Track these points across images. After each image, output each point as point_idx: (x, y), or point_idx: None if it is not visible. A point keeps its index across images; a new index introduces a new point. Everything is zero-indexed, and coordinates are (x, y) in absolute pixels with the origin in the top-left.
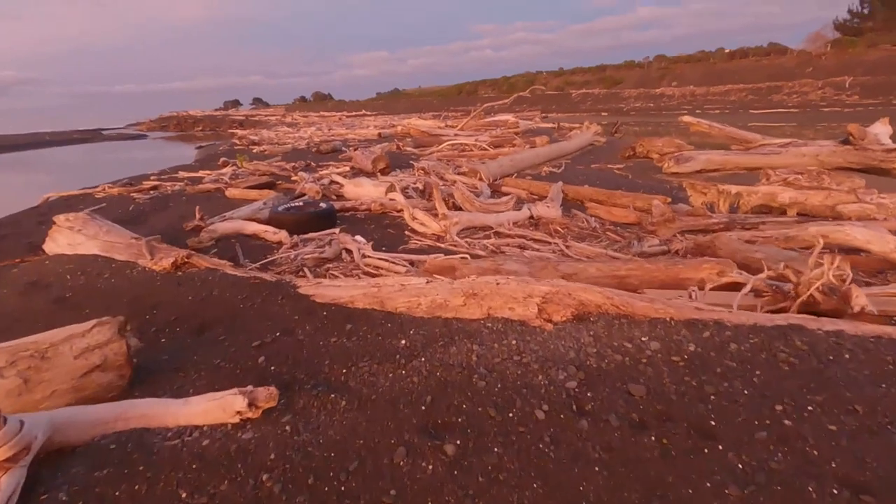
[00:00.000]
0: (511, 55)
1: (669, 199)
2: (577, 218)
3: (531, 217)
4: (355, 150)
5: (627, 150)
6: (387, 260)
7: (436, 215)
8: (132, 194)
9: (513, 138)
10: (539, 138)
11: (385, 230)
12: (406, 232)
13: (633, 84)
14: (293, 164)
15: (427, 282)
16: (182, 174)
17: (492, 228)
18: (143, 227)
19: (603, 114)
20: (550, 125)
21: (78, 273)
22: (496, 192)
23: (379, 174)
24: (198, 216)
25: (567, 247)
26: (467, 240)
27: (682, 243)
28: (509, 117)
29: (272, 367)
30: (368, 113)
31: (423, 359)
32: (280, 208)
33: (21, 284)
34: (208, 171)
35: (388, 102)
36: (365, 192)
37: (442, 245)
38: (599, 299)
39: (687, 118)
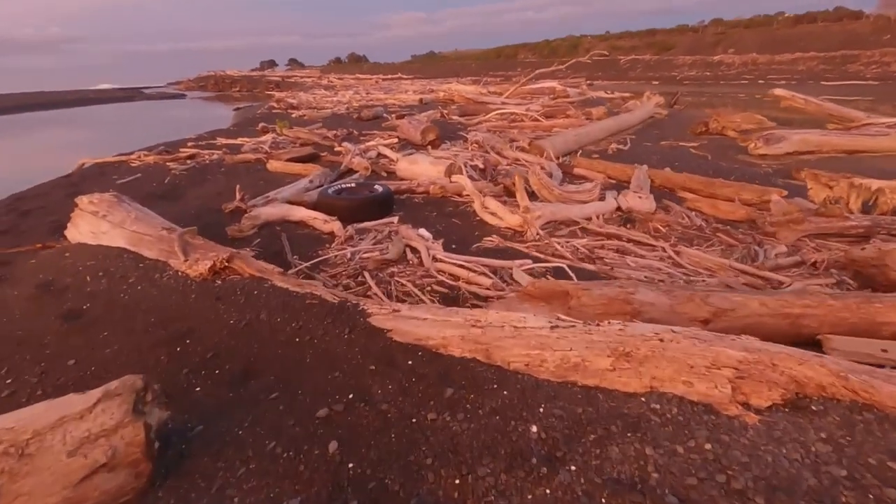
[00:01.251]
0: (552, 17)
1: (785, 193)
2: (674, 212)
3: (618, 209)
4: (399, 117)
5: (699, 125)
6: (464, 266)
7: (505, 202)
8: (168, 163)
9: (566, 108)
10: (596, 109)
11: (449, 220)
12: (475, 222)
13: (685, 50)
14: (335, 131)
15: (552, 326)
16: (220, 140)
17: (577, 223)
18: (178, 204)
19: (654, 82)
20: (605, 94)
21: (99, 274)
22: (567, 174)
23: (429, 147)
24: (238, 196)
25: (677, 252)
26: (555, 239)
27: (818, 254)
28: (555, 84)
29: (350, 465)
30: (405, 76)
31: (572, 467)
32: (331, 191)
33: (34, 284)
34: (247, 139)
35: (425, 66)
36: (421, 170)
37: (523, 246)
38: (824, 377)
39: (779, 91)
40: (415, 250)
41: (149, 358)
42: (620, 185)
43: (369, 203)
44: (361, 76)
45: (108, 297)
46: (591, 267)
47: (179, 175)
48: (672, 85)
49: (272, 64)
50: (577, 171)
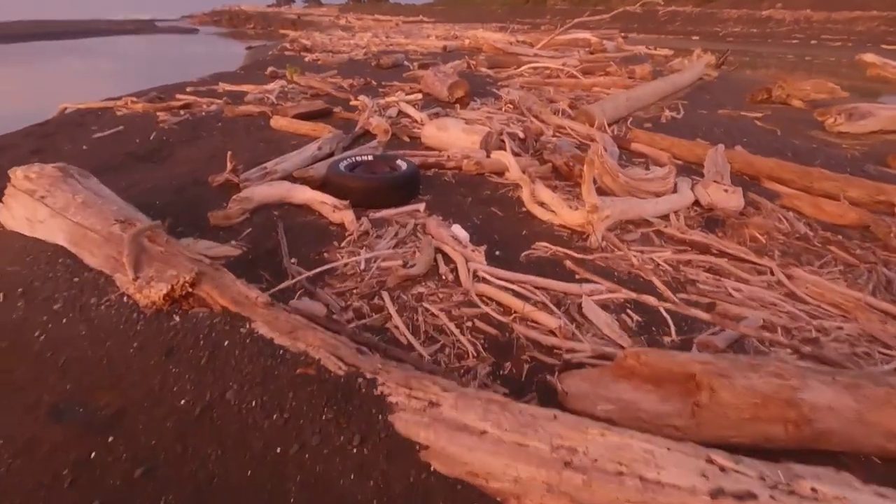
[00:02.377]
0: None
1: None
2: (767, 211)
3: (696, 204)
4: (422, 67)
5: (760, 91)
6: (515, 289)
7: (556, 188)
8: (158, 113)
9: (606, 64)
10: (640, 68)
11: (487, 208)
12: (520, 214)
13: (730, 2)
14: (351, 81)
15: (713, 493)
16: (223, 86)
17: (650, 224)
18: (159, 169)
19: (694, 38)
20: (646, 50)
21: (17, 292)
22: (623, 149)
23: (457, 106)
24: (229, 167)
25: (789, 276)
26: (633, 252)
27: None
28: (589, 36)
29: None
30: (426, 19)
31: None
32: (343, 165)
33: None
34: (252, 86)
35: (448, 9)
36: (452, 139)
37: (588, 257)
38: None
39: (869, 57)
40: (448, 258)
41: (44, 476)
42: (688, 168)
43: (390, 185)
44: (381, 17)
45: (16, 337)
46: (682, 297)
47: (169, 129)
48: (714, 42)
49: (289, 0)
50: (634, 146)
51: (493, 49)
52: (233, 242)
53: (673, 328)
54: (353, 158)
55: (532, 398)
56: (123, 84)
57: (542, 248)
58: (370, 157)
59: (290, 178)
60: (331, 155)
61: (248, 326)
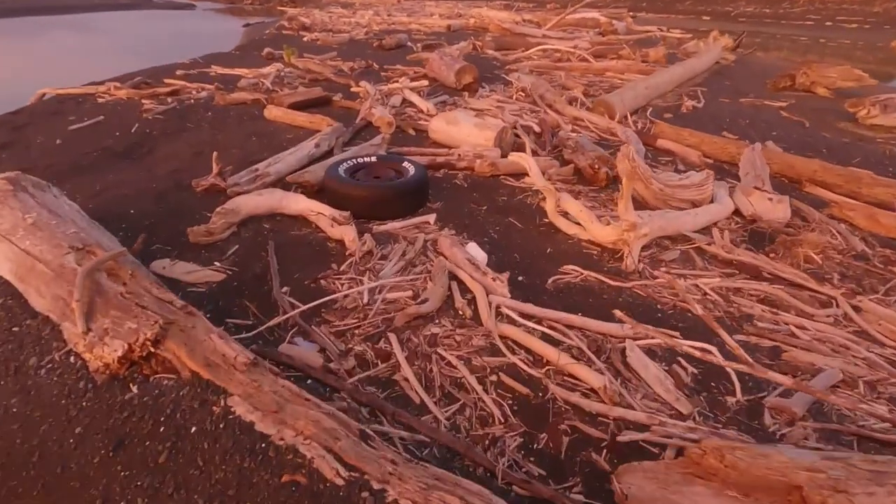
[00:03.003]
0: None
1: None
2: (815, 223)
3: (735, 212)
4: (427, 48)
5: (782, 78)
6: (546, 331)
7: (579, 194)
8: (143, 100)
9: (618, 47)
10: (653, 51)
11: (504, 219)
12: (542, 225)
13: None
14: (351, 63)
15: None
16: (215, 70)
17: (690, 240)
18: (138, 168)
19: (704, 18)
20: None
21: None
22: (648, 146)
23: (466, 94)
24: (215, 168)
25: (857, 309)
26: (673, 274)
27: None
28: (597, 15)
29: None
30: None
31: None
32: (343, 168)
33: None
34: (247, 70)
35: None
36: (463, 134)
37: (627, 283)
38: None
39: None
40: (464, 286)
41: None
42: (720, 169)
43: (396, 194)
44: None
45: None
46: (740, 339)
47: (153, 120)
48: (726, 22)
49: None
50: (660, 143)
51: (500, 29)
52: (216, 264)
53: (738, 386)
54: (354, 160)
55: (576, 485)
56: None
57: (572, 272)
58: (373, 159)
59: (283, 182)
60: (329, 153)
61: (222, 403)
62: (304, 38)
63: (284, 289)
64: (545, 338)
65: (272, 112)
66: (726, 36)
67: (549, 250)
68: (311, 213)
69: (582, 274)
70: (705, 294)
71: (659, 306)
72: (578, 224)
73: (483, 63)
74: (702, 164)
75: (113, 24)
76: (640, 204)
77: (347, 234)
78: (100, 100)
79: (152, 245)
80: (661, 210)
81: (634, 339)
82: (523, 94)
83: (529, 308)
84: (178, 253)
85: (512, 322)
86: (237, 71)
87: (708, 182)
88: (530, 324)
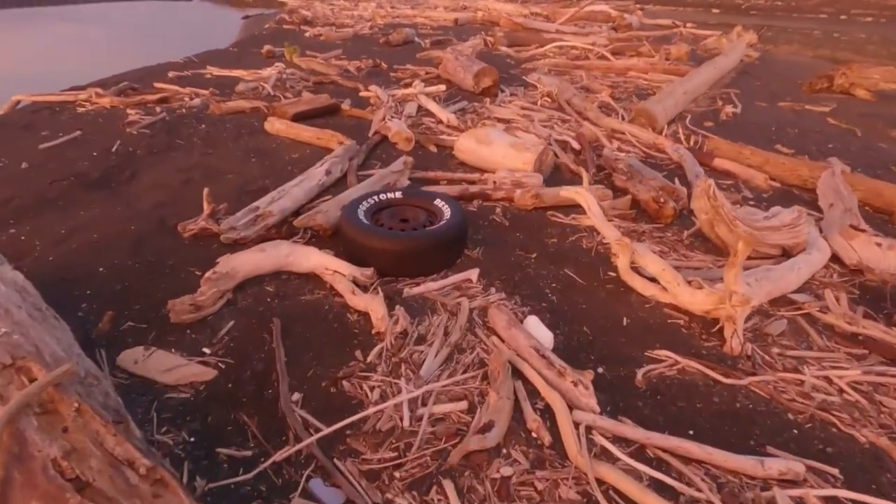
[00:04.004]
0: None
1: None
2: None
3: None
4: (435, 44)
5: (820, 79)
6: (653, 468)
7: (633, 222)
8: (129, 110)
9: (638, 44)
10: (675, 48)
11: (560, 269)
12: (607, 281)
13: None
14: (358, 63)
15: None
16: (210, 71)
17: (796, 305)
18: (115, 202)
19: (714, 10)
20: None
21: None
22: (704, 166)
23: (487, 100)
24: (206, 209)
25: None
26: (784, 354)
27: None
28: (607, 8)
29: None
30: None
31: None
32: (362, 210)
33: None
34: (245, 71)
35: None
36: (496, 156)
37: (741, 381)
38: None
39: None
40: (530, 387)
41: None
42: (788, 195)
43: (431, 246)
44: None
45: None
46: None
47: (138, 136)
48: (737, 16)
49: None
50: (717, 163)
51: (510, 24)
52: (205, 353)
53: None
54: (376, 197)
55: None
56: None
57: (665, 360)
58: (398, 195)
59: (286, 223)
60: (343, 178)
61: None
62: (306, 34)
63: (295, 396)
64: (657, 483)
65: (274, 125)
66: (751, 31)
67: (625, 320)
68: (326, 272)
69: (679, 363)
70: (842, 391)
71: (790, 415)
72: (655, 281)
73: (497, 61)
74: (769, 189)
75: (103, 16)
76: (718, 250)
77: (374, 308)
78: (80, 109)
79: (122, 323)
80: (762, 267)
81: (780, 481)
82: (549, 100)
83: (631, 431)
84: (156, 334)
85: (607, 452)
86: (235, 72)
87: (801, 222)
88: (639, 466)
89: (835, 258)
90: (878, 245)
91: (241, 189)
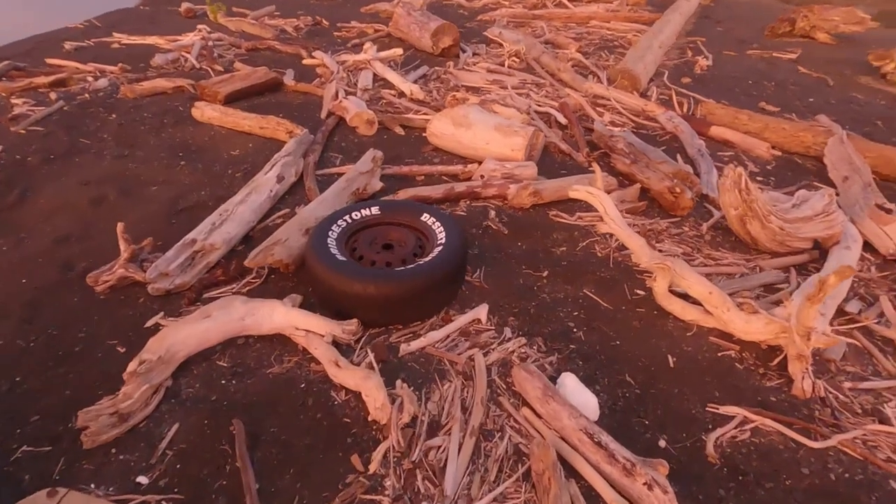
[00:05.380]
0: None
1: None
2: None
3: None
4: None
5: (782, 23)
6: None
7: (640, 212)
8: (13, 100)
9: None
10: None
11: (578, 290)
12: (635, 302)
13: None
14: (296, 21)
15: None
16: (118, 38)
17: (847, 316)
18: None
19: None
20: None
21: None
22: (702, 136)
23: (450, 64)
24: (124, 250)
25: None
26: (856, 388)
27: None
28: None
29: None
30: None
31: None
32: (334, 236)
33: None
34: (160, 38)
35: None
36: (478, 141)
37: (828, 443)
38: None
39: None
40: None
41: None
42: (790, 162)
43: (426, 285)
44: None
45: None
46: None
47: (28, 136)
48: None
49: None
50: (714, 131)
51: None
52: (141, 483)
53: None
54: (348, 217)
55: None
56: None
57: (733, 416)
58: (376, 210)
59: (234, 259)
60: (299, 183)
61: None
62: None
63: None
64: None
65: (204, 112)
66: None
67: (671, 360)
68: (297, 333)
69: (750, 420)
70: None
71: (893, 483)
72: (693, 300)
73: (449, 13)
74: (771, 159)
75: None
76: (743, 247)
77: (371, 393)
78: None
79: (13, 449)
80: (810, 280)
81: None
82: (517, 60)
83: None
84: (66, 461)
85: None
86: (149, 39)
87: (833, 209)
88: None
89: (865, 245)
90: None
91: (171, 207)
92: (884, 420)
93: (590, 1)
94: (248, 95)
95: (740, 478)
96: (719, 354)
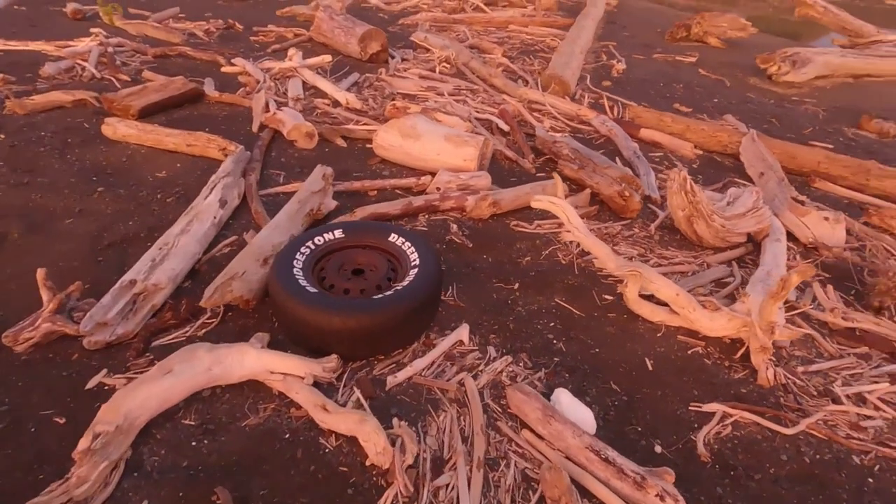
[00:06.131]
0: None
1: None
2: (868, 243)
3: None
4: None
5: (679, 28)
6: None
7: (614, 237)
8: None
9: None
10: None
11: (549, 300)
12: (605, 307)
13: None
14: (205, 24)
15: None
16: None
17: (788, 303)
18: None
19: None
20: None
21: None
22: (633, 138)
23: (382, 71)
24: (47, 300)
25: None
26: (808, 371)
27: None
28: None
29: None
30: None
31: None
32: (299, 267)
33: None
34: (47, 44)
35: None
36: (428, 152)
37: (794, 429)
38: None
39: None
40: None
41: None
42: (711, 161)
43: (409, 311)
44: None
45: None
46: None
47: None
48: None
49: None
50: (644, 133)
51: None
52: None
53: None
54: (311, 243)
55: None
56: None
57: (720, 415)
58: (339, 234)
59: (182, 299)
60: (242, 205)
61: None
62: None
63: None
64: None
65: (118, 129)
66: None
67: (648, 363)
68: (272, 377)
69: (732, 416)
70: (878, 409)
71: (856, 458)
72: (659, 302)
73: (370, 17)
74: (695, 158)
75: None
76: (688, 244)
77: (369, 437)
78: None
79: None
80: (757, 275)
81: None
82: (447, 66)
83: None
84: None
85: None
86: (32, 45)
87: (762, 204)
88: None
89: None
90: (826, 220)
91: (94, 243)
92: (836, 399)
93: (506, 5)
94: (166, 108)
95: (731, 473)
96: (689, 352)
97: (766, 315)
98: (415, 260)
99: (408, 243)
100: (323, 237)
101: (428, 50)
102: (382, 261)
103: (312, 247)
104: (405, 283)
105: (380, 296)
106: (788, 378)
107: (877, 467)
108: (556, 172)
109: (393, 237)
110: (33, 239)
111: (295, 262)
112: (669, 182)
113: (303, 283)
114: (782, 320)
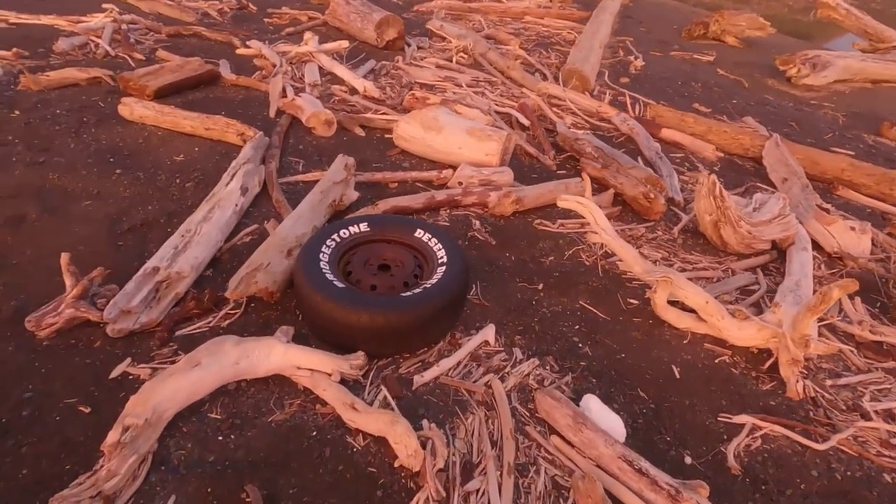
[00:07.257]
0: None
1: None
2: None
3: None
4: None
5: (697, 26)
6: None
7: (639, 238)
8: None
9: None
10: None
11: (574, 302)
12: (628, 304)
13: None
14: (220, 4)
15: None
16: (5, 17)
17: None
18: None
19: None
20: None
21: None
22: (654, 138)
23: (399, 59)
24: (70, 285)
25: None
26: (836, 385)
27: None
28: None
29: None
30: None
31: None
32: (325, 261)
33: None
34: (59, 18)
35: None
36: (450, 146)
37: (824, 445)
38: None
39: None
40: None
41: None
42: (732, 163)
43: (438, 309)
44: None
45: None
46: None
47: None
48: None
49: None
50: (665, 133)
51: None
52: None
53: None
54: (337, 235)
55: None
56: None
57: (749, 427)
58: (365, 227)
59: (205, 283)
60: (262, 193)
61: None
62: None
63: None
64: None
65: (135, 110)
66: None
67: (675, 371)
68: (298, 372)
69: (762, 429)
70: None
71: (887, 476)
72: (687, 308)
73: (384, 2)
74: (717, 160)
75: None
76: (712, 249)
77: (401, 439)
78: None
79: None
80: (786, 286)
81: None
82: (465, 56)
83: None
84: None
85: None
86: (45, 19)
87: (788, 212)
88: None
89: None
90: (853, 229)
91: (113, 227)
92: (865, 415)
93: None
94: (181, 90)
95: (763, 487)
96: (716, 361)
97: (800, 328)
98: (442, 257)
99: (434, 239)
100: (348, 230)
101: (444, 39)
102: (409, 257)
103: (338, 240)
104: (434, 280)
105: (409, 293)
106: (818, 391)
107: None
108: (586, 173)
109: (419, 233)
110: (51, 221)
111: (321, 255)
112: (698, 186)
113: (329, 277)
114: (815, 333)
